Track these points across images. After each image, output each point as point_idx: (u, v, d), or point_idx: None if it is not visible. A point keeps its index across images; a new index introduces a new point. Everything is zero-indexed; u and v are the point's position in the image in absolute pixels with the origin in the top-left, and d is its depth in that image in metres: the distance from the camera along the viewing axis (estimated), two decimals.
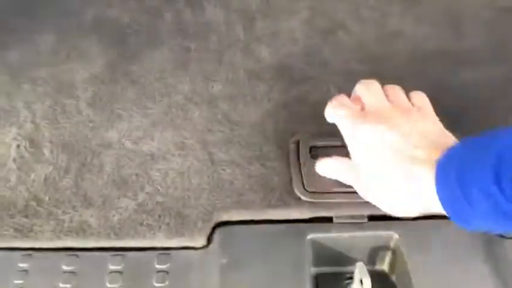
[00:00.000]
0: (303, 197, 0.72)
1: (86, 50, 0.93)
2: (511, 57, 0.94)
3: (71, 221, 0.70)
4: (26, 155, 0.78)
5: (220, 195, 0.72)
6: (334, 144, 0.74)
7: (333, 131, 0.71)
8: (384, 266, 0.68)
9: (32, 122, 0.82)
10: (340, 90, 0.77)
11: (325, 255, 0.66)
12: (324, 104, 0.72)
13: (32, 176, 0.75)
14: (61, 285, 0.62)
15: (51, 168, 0.76)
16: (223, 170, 0.75)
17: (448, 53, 0.95)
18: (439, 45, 0.97)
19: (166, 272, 0.64)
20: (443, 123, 0.69)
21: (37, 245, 0.67)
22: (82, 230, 0.69)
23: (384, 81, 0.77)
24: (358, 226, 0.68)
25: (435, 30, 0.99)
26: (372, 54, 0.94)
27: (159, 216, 0.70)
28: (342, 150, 0.71)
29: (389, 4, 1.03)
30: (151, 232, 0.68)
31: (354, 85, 0.77)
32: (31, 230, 0.69)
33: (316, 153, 0.76)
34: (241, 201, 0.72)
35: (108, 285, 0.62)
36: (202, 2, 1.02)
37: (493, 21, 1.02)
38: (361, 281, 0.59)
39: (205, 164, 0.76)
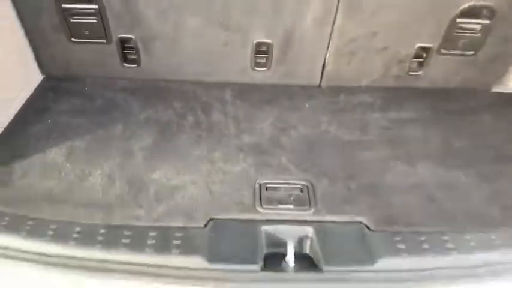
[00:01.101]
0: (260, 210, 1.29)
1: (143, 134, 1.57)
2: (392, 146, 1.57)
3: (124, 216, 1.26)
4: None
5: (215, 208, 1.29)
6: (281, 186, 1.36)
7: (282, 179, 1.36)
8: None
9: None
10: (288, 160, 1.42)
11: (272, 241, 1.21)
12: (278, 168, 1.38)
13: None
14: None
15: None
16: (219, 197, 1.34)
17: (357, 143, 1.58)
18: (352, 138, 1.60)
19: (181, 240, 1.19)
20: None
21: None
22: (136, 218, 1.25)
23: (314, 155, 1.43)
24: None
25: (350, 131, 1.64)
26: (310, 143, 1.57)
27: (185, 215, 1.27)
28: (286, 188, 1.33)
29: (322, 115, 1.70)
30: (175, 222, 1.25)
31: (297, 159, 1.43)
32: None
33: (270, 190, 1.36)
34: (226, 211, 1.29)
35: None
36: (210, 111, 1.69)
37: (387, 127, 1.67)
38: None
39: (207, 193, 1.35)
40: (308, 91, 1.84)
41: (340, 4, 1.62)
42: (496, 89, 1.91)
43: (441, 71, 1.84)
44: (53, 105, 1.68)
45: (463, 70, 1.84)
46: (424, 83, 1.87)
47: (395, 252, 1.19)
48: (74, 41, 1.71)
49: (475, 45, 1.75)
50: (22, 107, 1.66)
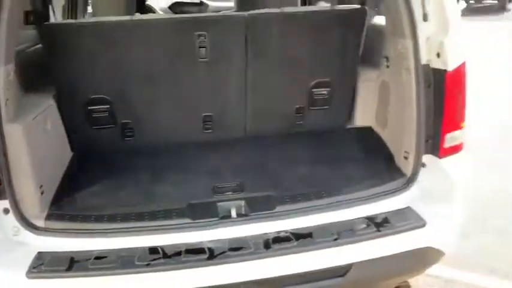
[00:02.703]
0: (215, 197, 2.43)
1: (145, 172, 2.70)
2: (283, 160, 2.79)
3: None
4: None
5: (189, 198, 2.42)
6: (224, 185, 2.51)
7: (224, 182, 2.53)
8: None
9: None
10: (225, 172, 2.61)
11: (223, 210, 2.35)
12: (222, 177, 2.55)
13: None
14: None
15: None
16: (190, 193, 2.46)
17: (268, 161, 2.79)
18: (264, 160, 2.81)
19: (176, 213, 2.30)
20: None
21: None
22: (149, 208, 2.35)
23: (242, 171, 2.63)
24: None
25: (263, 155, 2.85)
26: (240, 165, 2.76)
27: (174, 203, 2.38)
28: (227, 185, 2.50)
29: (248, 150, 2.91)
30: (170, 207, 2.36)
31: (231, 171, 2.60)
32: None
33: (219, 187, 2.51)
34: (196, 199, 2.42)
35: None
36: (180, 157, 2.85)
37: (284, 151, 2.90)
38: None
39: (183, 192, 2.48)
40: (239, 139, 3.07)
41: (247, 87, 2.91)
42: (348, 126, 3.24)
43: (313, 120, 3.14)
44: (86, 167, 2.79)
45: (325, 118, 3.16)
46: (304, 128, 3.16)
47: (285, 203, 2.36)
48: (93, 128, 2.88)
49: (327, 102, 3.09)
50: (66, 170, 2.75)
